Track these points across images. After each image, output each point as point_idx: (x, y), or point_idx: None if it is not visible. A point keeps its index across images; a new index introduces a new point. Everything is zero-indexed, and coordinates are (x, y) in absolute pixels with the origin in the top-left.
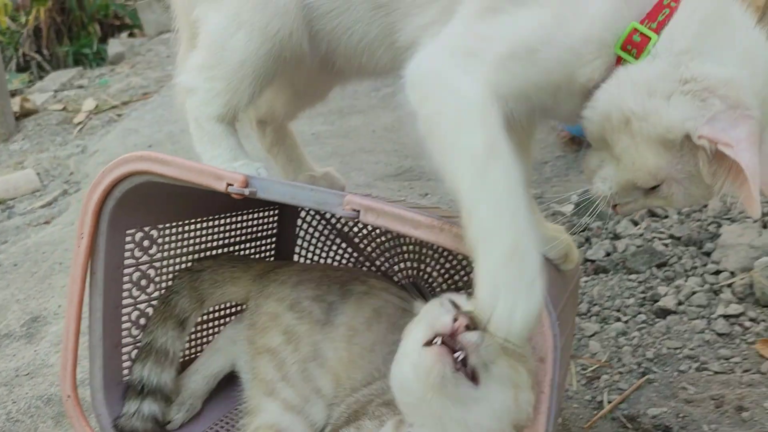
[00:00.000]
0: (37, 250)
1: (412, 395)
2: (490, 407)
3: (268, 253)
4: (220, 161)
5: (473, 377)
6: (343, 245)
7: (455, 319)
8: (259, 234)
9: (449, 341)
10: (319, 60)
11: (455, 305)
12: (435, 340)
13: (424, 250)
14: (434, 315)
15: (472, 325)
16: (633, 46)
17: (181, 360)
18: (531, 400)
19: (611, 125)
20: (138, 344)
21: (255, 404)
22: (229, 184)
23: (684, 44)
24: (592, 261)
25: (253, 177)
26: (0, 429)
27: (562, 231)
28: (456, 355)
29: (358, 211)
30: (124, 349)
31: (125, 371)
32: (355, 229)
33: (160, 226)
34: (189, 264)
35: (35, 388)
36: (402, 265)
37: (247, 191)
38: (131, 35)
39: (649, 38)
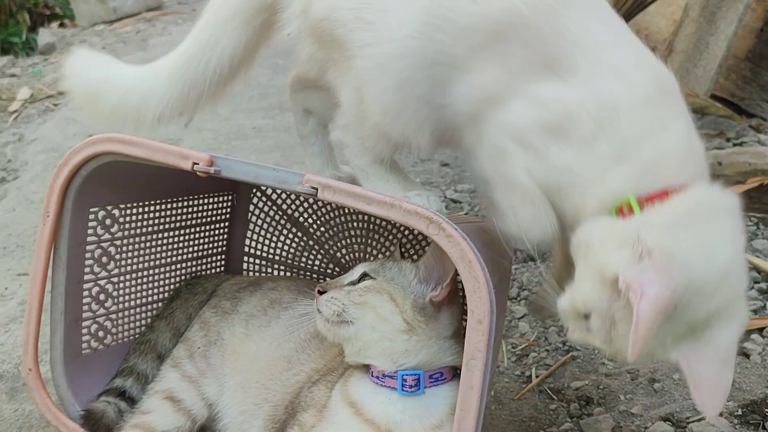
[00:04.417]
0: None
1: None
2: (366, 330)
3: (221, 238)
4: (393, 191)
5: (345, 320)
6: (294, 230)
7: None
8: (214, 218)
9: None
10: None
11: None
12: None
13: (370, 234)
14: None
15: (322, 290)
16: (618, 212)
17: None
18: (392, 308)
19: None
20: (98, 320)
21: (160, 374)
22: (195, 163)
23: (656, 221)
24: (522, 250)
25: (217, 156)
26: None
27: None
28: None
29: (316, 189)
30: (84, 323)
31: (84, 345)
32: (305, 215)
33: (122, 205)
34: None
35: None
36: (349, 248)
37: (212, 170)
38: (62, 26)
39: (633, 212)
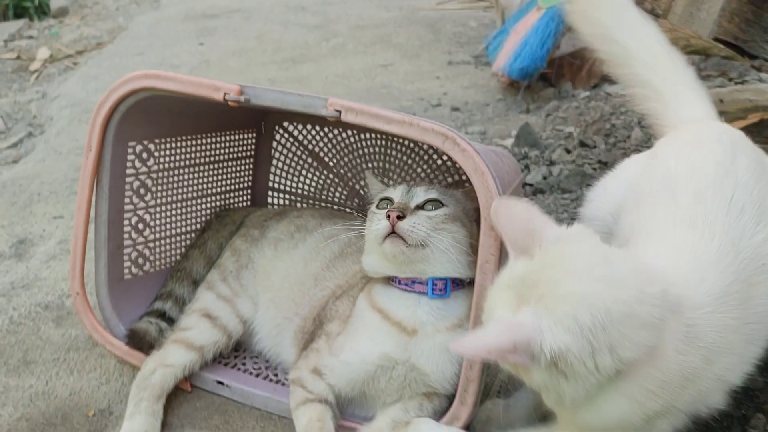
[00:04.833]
0: (13, 184)
1: (390, 268)
2: (438, 253)
3: (247, 173)
4: None
5: (421, 244)
6: (315, 164)
7: (388, 216)
8: (240, 154)
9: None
10: None
11: (389, 201)
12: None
13: (387, 166)
14: (378, 220)
15: (402, 215)
16: None
17: None
18: (465, 233)
19: None
20: (137, 247)
21: (196, 296)
22: (225, 93)
23: None
24: (531, 185)
25: (246, 86)
26: (6, 330)
27: None
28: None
29: (340, 111)
30: (125, 251)
31: (126, 270)
32: (325, 150)
33: (157, 140)
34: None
35: (32, 297)
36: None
37: (242, 98)
38: None
39: None
